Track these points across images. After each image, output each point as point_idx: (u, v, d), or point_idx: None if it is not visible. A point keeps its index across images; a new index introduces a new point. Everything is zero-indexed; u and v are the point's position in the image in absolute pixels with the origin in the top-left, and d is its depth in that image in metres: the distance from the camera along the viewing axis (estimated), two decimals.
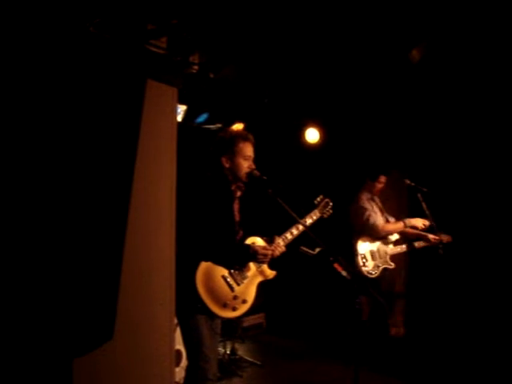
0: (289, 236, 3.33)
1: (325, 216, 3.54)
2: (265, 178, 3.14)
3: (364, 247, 5.08)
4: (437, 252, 4.92)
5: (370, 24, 3.88)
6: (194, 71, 2.95)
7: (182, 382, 4.14)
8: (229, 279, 3.04)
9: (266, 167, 3.34)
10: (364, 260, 5.00)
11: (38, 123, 2.23)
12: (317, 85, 5.17)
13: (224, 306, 2.98)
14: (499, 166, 5.24)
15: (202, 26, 2.85)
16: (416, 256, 5.29)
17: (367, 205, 5.15)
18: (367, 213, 5.07)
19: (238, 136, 3.16)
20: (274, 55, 4.32)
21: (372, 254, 5.07)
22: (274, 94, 5.42)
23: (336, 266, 2.86)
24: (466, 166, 5.50)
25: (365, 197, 5.22)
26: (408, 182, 5.09)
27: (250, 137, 3.19)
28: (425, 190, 4.98)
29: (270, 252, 3.07)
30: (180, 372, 4.15)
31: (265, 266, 3.24)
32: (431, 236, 5.07)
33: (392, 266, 5.06)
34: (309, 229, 3.26)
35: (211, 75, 3.86)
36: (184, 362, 4.20)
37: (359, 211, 5.13)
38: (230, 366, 5.13)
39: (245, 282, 3.11)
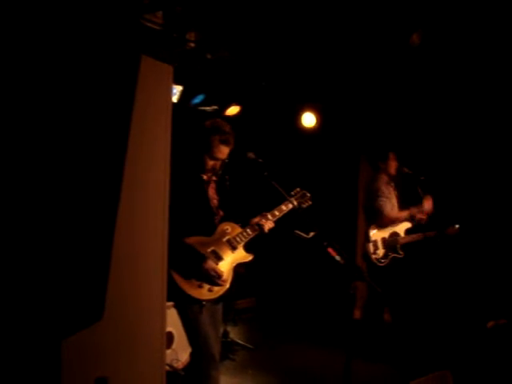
0: (277, 213, 3.32)
1: (303, 206, 3.50)
2: (260, 160, 3.14)
3: (376, 234, 4.97)
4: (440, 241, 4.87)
5: (368, 7, 3.82)
6: (190, 48, 2.89)
7: (173, 364, 4.14)
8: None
9: (262, 150, 3.30)
10: (374, 247, 4.91)
11: (26, 99, 2.17)
12: (314, 69, 5.11)
13: (199, 286, 3.03)
14: (500, 155, 5.22)
15: (199, 2, 2.79)
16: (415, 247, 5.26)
17: (383, 188, 5.01)
18: (379, 197, 4.93)
19: (219, 134, 3.10)
20: (272, 37, 4.26)
21: (383, 241, 4.96)
22: (272, 77, 5.36)
23: (330, 250, 2.83)
24: (464, 153, 5.48)
25: (383, 179, 5.08)
26: (406, 170, 5.03)
27: (232, 141, 3.13)
28: (422, 178, 4.92)
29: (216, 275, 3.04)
30: (171, 354, 4.15)
31: (241, 249, 3.23)
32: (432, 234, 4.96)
33: (401, 255, 4.93)
34: (303, 212, 3.27)
35: (208, 56, 3.79)
36: (175, 344, 4.20)
37: (373, 193, 5.01)
38: (223, 349, 5.13)
39: (220, 263, 3.10)
